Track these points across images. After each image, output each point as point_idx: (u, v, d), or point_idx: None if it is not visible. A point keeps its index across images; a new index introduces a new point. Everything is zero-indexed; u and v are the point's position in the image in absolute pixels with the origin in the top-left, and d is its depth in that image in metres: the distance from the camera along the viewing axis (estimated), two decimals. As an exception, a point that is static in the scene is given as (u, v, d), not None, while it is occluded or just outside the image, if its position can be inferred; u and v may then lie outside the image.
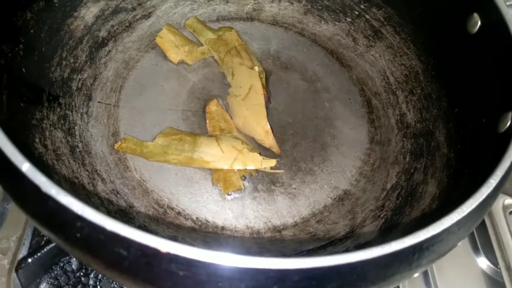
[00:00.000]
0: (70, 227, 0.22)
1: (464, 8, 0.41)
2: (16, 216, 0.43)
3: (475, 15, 0.40)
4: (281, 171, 0.42)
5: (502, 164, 0.28)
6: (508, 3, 0.40)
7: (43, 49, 0.40)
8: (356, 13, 0.51)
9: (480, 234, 0.44)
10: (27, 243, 0.42)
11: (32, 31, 0.39)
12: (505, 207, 0.45)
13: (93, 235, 0.22)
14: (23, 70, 0.37)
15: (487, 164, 0.32)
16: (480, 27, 0.40)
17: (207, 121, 0.44)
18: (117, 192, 0.38)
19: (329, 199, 0.42)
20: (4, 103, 0.34)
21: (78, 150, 0.39)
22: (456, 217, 0.25)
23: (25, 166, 0.22)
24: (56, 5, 0.42)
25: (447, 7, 0.43)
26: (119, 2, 0.47)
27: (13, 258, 0.41)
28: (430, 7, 0.45)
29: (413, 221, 0.37)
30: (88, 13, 0.45)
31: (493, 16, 0.37)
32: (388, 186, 0.42)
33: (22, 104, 0.36)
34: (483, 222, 0.44)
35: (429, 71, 0.46)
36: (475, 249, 0.44)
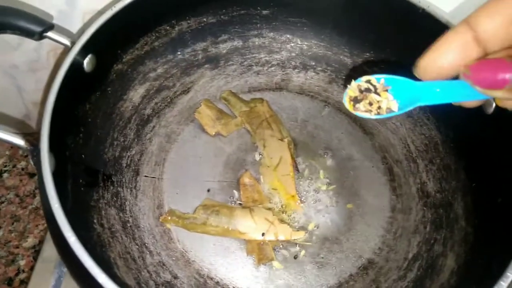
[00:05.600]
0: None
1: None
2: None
3: (490, 98, 0.43)
4: (309, 243, 0.46)
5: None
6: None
7: (98, 133, 0.46)
8: (378, 83, 0.55)
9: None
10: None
11: (89, 120, 0.44)
12: None
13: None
14: (83, 156, 0.43)
15: (504, 249, 0.35)
16: (496, 108, 0.43)
17: (241, 193, 0.48)
18: (163, 264, 0.43)
19: (354, 268, 0.45)
20: (69, 192, 0.39)
21: (129, 225, 0.44)
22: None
23: (101, 278, 0.27)
24: (109, 92, 0.47)
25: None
26: (162, 81, 0.53)
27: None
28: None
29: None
30: (136, 95, 0.50)
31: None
32: (410, 255, 0.45)
33: (82, 189, 0.42)
34: None
35: (448, 142, 0.49)
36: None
